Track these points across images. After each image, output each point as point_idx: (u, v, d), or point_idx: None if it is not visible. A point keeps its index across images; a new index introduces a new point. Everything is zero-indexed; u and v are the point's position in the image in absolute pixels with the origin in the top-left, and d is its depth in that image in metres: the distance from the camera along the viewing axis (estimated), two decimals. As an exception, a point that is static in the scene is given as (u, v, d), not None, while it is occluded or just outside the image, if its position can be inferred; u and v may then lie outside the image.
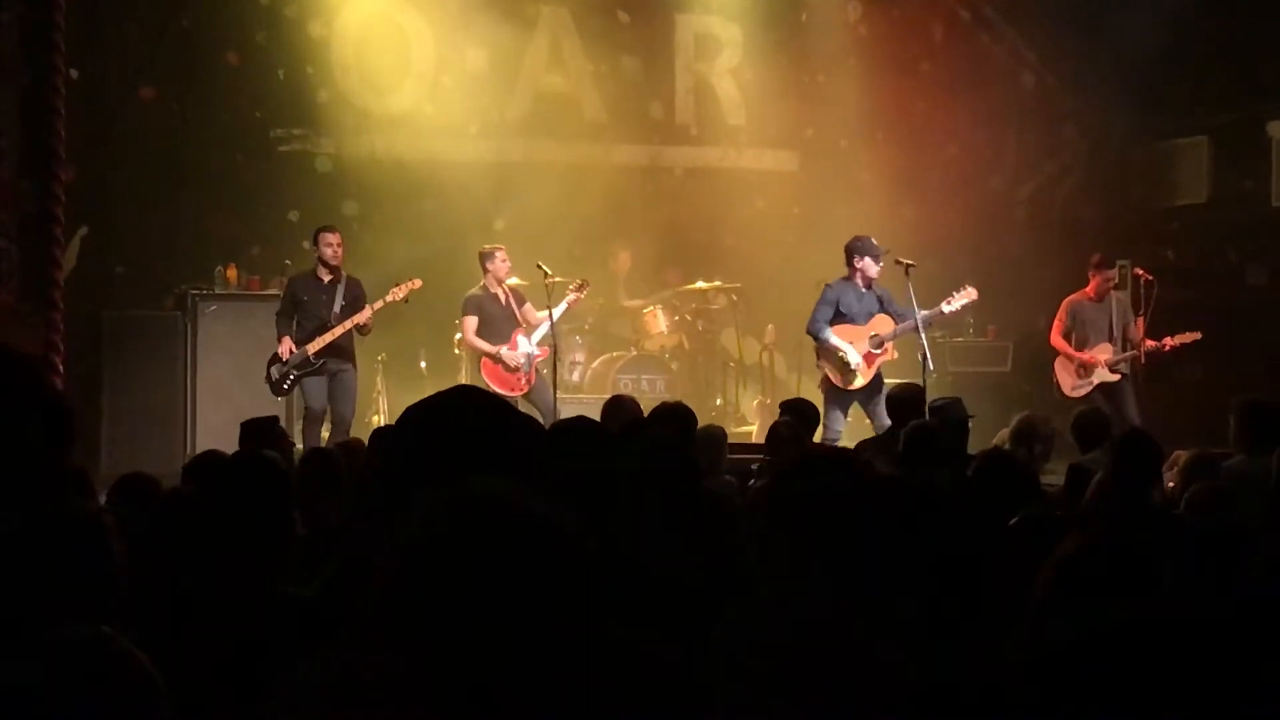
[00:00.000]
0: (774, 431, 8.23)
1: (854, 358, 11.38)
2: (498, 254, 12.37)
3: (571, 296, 12.37)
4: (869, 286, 11.58)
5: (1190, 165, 14.95)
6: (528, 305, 12.44)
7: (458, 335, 13.11)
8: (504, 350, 12.25)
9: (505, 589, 1.70)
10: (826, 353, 11.54)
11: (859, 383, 11.41)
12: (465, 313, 12.40)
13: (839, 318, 11.51)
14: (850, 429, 11.89)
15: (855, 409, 11.72)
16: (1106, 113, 15.14)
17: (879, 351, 11.44)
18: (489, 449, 2.41)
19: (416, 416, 2.55)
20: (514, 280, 12.66)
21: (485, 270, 12.41)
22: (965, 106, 15.31)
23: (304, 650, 2.01)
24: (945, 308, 11.57)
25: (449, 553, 1.73)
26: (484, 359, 12.35)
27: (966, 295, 11.61)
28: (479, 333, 12.33)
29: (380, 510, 2.22)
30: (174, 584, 3.55)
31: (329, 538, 4.98)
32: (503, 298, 12.42)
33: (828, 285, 11.68)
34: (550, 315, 12.09)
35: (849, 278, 11.60)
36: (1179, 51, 14.19)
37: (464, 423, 2.48)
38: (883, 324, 11.45)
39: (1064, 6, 15.06)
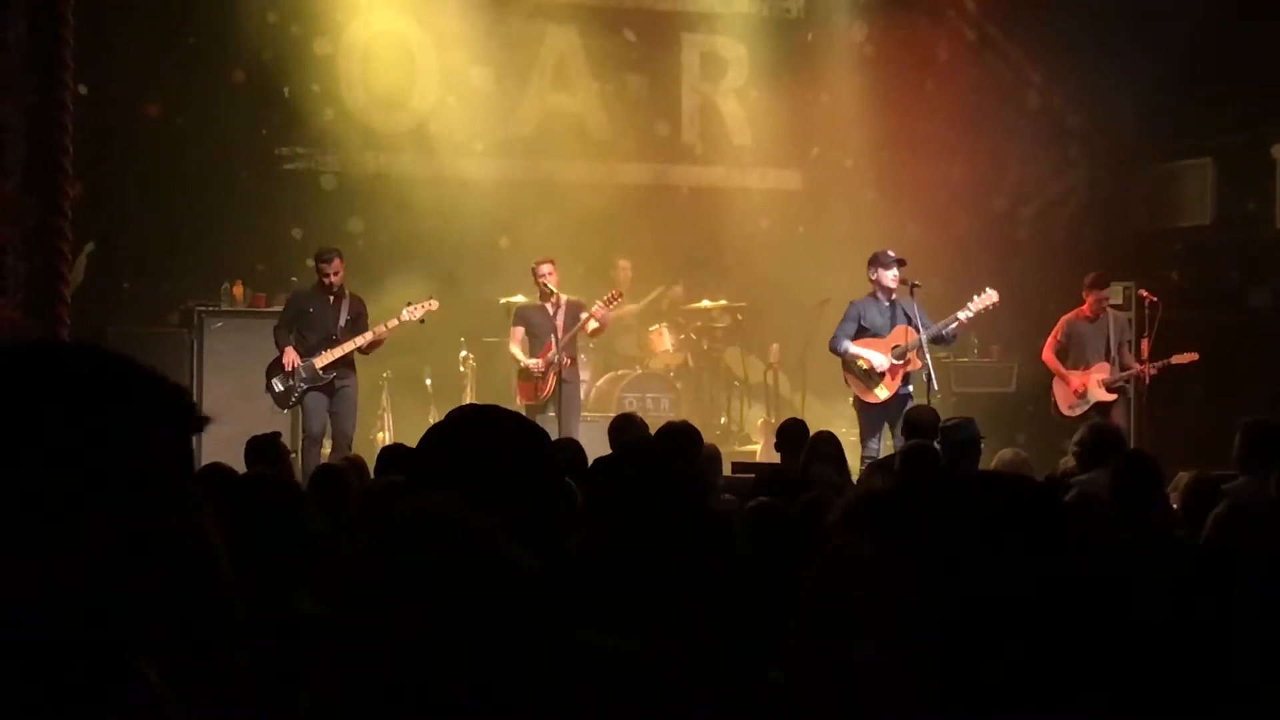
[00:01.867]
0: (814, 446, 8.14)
1: (878, 360, 11.41)
2: (540, 267, 12.36)
3: (597, 306, 12.41)
4: (892, 300, 11.61)
5: (1194, 187, 14.97)
6: (582, 319, 12.42)
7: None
8: (529, 361, 12.33)
9: (434, 598, 1.75)
10: (850, 366, 11.59)
11: (883, 394, 11.43)
12: (513, 322, 12.54)
13: (862, 333, 11.60)
14: (854, 448, 11.89)
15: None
16: (1111, 133, 15.17)
17: (900, 362, 11.46)
18: (492, 466, 2.45)
19: (433, 435, 2.61)
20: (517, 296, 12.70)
21: (535, 282, 12.52)
22: (970, 126, 15.33)
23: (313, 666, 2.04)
24: (962, 314, 11.61)
25: (382, 566, 1.79)
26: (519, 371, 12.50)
27: (986, 299, 11.63)
28: (525, 341, 12.45)
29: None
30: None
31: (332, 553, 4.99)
32: (551, 309, 12.41)
33: (851, 302, 11.78)
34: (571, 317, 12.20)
35: (871, 293, 11.68)
36: (1184, 73, 14.21)
37: (470, 442, 2.52)
38: (906, 336, 11.48)
39: (1069, 28, 15.07)
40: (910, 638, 2.02)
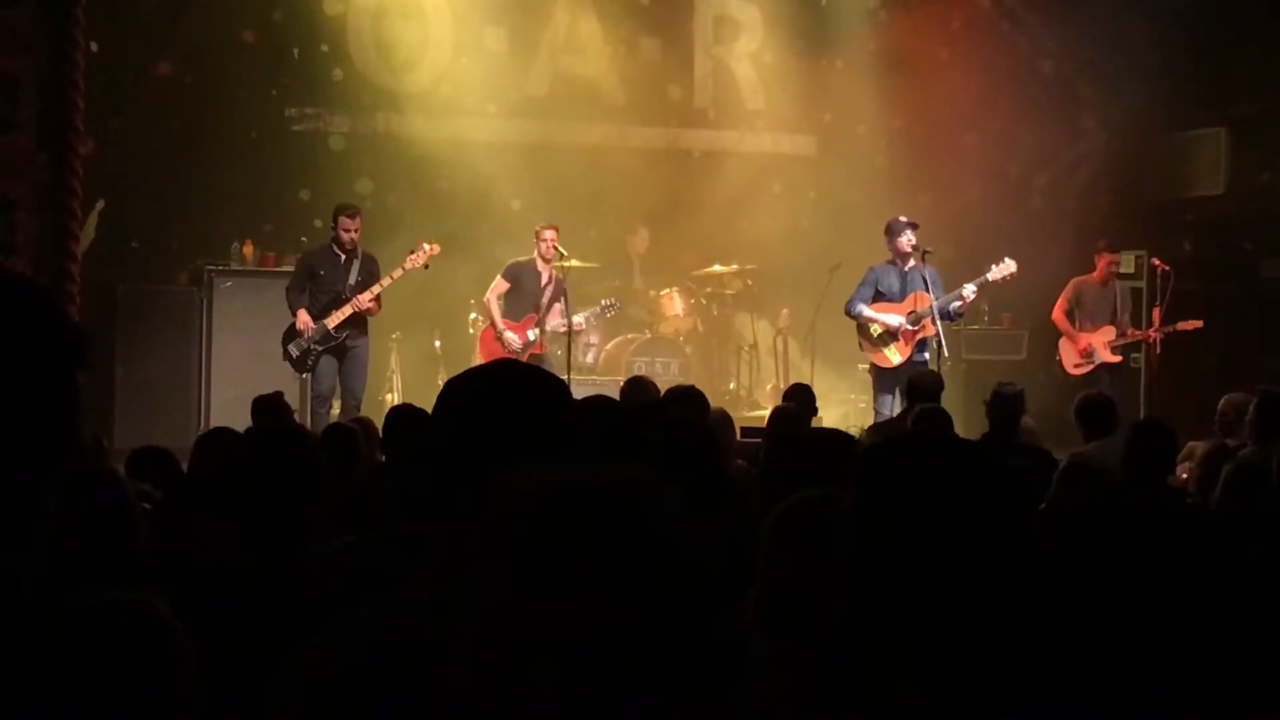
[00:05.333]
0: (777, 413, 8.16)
1: (894, 321, 11.45)
2: (545, 233, 12.47)
3: (596, 309, 12.65)
4: (910, 265, 11.62)
5: (1207, 156, 14.89)
6: (559, 305, 12.43)
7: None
8: (507, 333, 12.34)
9: (634, 582, 1.62)
10: (864, 331, 11.62)
11: (895, 358, 11.48)
12: (502, 274, 12.56)
13: (879, 298, 11.68)
14: (862, 413, 11.90)
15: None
16: (1124, 102, 15.08)
17: (915, 328, 11.47)
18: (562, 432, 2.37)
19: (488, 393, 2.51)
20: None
21: (535, 245, 12.59)
22: (983, 94, 15.25)
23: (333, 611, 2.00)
24: (975, 283, 11.63)
25: (573, 534, 1.65)
26: (486, 329, 12.52)
27: (1005, 268, 11.65)
28: (505, 299, 12.48)
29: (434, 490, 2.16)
30: (202, 553, 3.54)
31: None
32: (544, 278, 12.46)
33: (870, 267, 11.86)
34: (569, 323, 12.32)
35: (890, 260, 11.72)
36: (1198, 42, 14.13)
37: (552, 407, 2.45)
38: (922, 301, 11.47)
39: (1084, -5, 15.00)
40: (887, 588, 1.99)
